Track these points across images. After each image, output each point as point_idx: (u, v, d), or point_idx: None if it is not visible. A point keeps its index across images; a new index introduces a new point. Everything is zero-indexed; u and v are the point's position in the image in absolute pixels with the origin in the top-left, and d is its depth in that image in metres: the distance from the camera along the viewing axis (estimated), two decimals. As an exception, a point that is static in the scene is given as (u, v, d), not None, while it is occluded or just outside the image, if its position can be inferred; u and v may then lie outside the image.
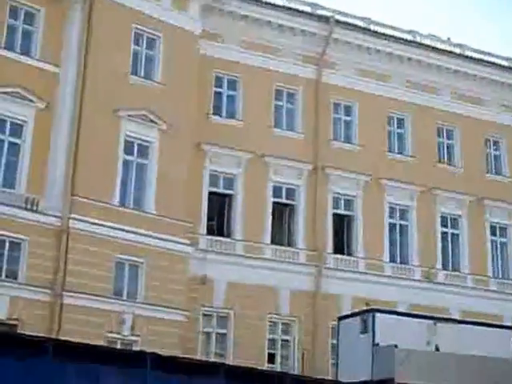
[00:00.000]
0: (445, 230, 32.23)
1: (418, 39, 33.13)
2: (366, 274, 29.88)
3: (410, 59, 32.58)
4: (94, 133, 25.16)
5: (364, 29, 32.03)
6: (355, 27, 31.84)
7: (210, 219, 28.43)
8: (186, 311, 25.76)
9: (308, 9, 31.34)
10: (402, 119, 32.59)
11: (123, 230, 24.80)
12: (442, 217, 32.15)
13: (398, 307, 27.74)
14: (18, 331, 21.21)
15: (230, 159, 28.92)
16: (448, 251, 32.11)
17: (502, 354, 19.64)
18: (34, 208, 24.04)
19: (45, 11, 25.57)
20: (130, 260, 25.12)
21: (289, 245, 29.57)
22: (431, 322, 20.19)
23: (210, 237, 28.04)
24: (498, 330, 21.60)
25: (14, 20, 25.32)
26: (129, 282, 25.16)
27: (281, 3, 30.71)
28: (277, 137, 29.97)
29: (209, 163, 28.57)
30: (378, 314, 19.73)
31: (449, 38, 34.29)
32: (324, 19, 31.10)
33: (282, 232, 29.83)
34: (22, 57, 25.01)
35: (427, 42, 33.29)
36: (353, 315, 21.31)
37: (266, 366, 26.62)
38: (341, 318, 21.71)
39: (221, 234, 28.57)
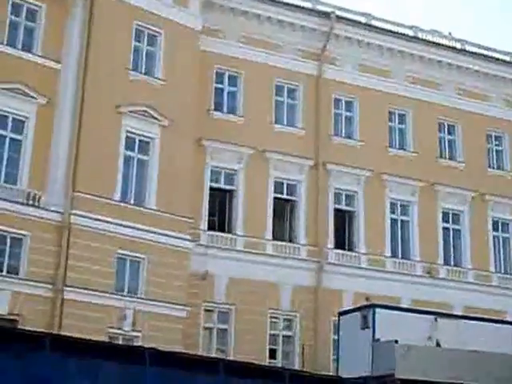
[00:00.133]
0: (446, 225, 32.15)
1: (419, 34, 33.10)
2: (368, 269, 29.83)
3: (411, 54, 32.55)
4: (96, 129, 25.20)
5: (365, 24, 32.00)
6: (356, 23, 31.82)
7: (211, 215, 28.45)
8: (188, 307, 25.76)
9: (309, 4, 31.36)
10: (404, 115, 32.52)
11: (124, 225, 24.85)
12: (443, 212, 32.07)
13: (400, 303, 27.84)
14: (19, 326, 21.19)
15: (231, 155, 28.91)
16: (450, 246, 32.02)
17: (503, 349, 19.69)
18: (36, 204, 24.11)
19: (46, 8, 25.61)
20: (131, 255, 25.14)
21: (290, 240, 29.54)
22: (432, 317, 20.23)
23: (211, 232, 28.05)
24: (499, 325, 21.66)
25: (16, 16, 25.38)
26: (130, 278, 25.17)
27: (281, -1, 30.71)
28: (278, 132, 29.96)
29: (210, 159, 28.56)
30: (378, 310, 19.80)
31: (450, 33, 34.23)
32: (325, 15, 31.07)
33: (283, 227, 29.81)
34: (23, 53, 25.04)
35: (428, 37, 33.25)
36: (353, 310, 21.37)
37: (267, 362, 26.68)
38: (341, 314, 21.79)
39: (222, 230, 28.57)
